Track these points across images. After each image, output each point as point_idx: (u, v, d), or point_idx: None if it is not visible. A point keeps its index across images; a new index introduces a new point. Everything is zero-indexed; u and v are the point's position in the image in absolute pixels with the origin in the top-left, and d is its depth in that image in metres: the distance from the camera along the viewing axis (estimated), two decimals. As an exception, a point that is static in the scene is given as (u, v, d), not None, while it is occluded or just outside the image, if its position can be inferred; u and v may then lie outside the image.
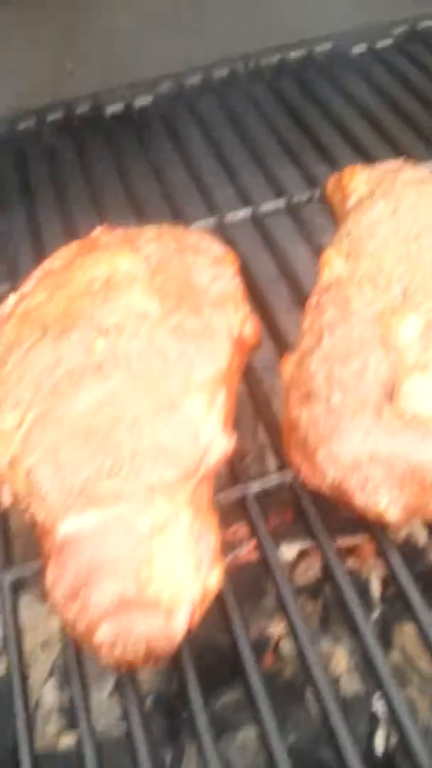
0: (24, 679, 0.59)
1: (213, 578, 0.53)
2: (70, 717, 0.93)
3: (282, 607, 0.60)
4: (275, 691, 0.92)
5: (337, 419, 0.60)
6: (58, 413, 0.60)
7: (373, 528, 0.62)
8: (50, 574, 0.53)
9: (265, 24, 1.16)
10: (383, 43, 1.17)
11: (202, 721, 0.55)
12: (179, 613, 0.51)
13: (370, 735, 0.92)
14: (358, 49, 1.16)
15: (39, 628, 0.98)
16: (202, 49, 1.14)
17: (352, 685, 0.95)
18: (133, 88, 1.08)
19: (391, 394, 0.60)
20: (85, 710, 0.56)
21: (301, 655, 0.58)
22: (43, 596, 0.54)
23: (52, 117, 1.07)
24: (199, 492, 0.58)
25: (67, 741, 0.91)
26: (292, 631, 0.59)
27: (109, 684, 0.97)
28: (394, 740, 0.93)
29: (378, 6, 1.19)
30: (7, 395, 0.62)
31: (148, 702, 0.95)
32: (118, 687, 0.58)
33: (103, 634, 0.50)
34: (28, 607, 1.01)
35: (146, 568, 0.52)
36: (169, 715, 0.94)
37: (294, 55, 1.15)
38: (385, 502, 0.58)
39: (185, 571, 0.53)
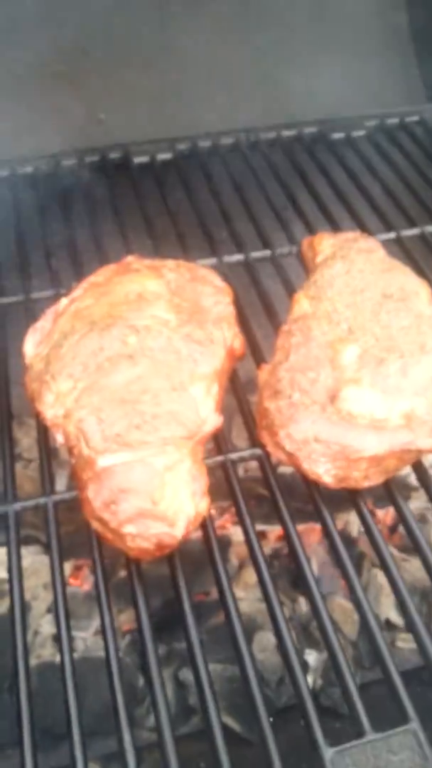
0: (24, 609, 0.79)
1: (202, 505, 0.78)
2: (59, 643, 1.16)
3: (255, 565, 0.81)
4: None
5: (294, 411, 0.86)
6: (100, 384, 0.84)
7: (322, 514, 0.85)
8: (91, 492, 0.77)
9: (265, 106, 1.45)
10: (357, 133, 1.46)
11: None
12: (179, 523, 0.76)
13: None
14: (337, 135, 1.44)
15: (42, 572, 1.20)
16: (212, 119, 1.41)
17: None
18: (156, 144, 1.34)
19: (333, 397, 0.86)
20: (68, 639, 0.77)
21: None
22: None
23: (89, 158, 1.32)
24: (197, 449, 0.83)
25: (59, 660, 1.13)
26: (262, 584, 0.80)
27: (95, 624, 1.20)
28: (319, 683, 1.18)
29: (354, 104, 1.49)
30: (63, 368, 0.87)
31: (125, 641, 1.18)
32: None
33: (128, 531, 0.74)
34: (32, 554, 1.24)
35: (158, 492, 0.77)
36: (141, 654, 1.17)
37: (286, 133, 1.42)
38: (323, 470, 0.83)
39: (185, 498, 0.78)
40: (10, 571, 0.82)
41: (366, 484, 0.85)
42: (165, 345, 0.88)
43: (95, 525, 0.79)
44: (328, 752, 0.67)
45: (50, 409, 0.85)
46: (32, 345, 0.94)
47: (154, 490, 0.77)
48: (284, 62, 1.52)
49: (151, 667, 0.74)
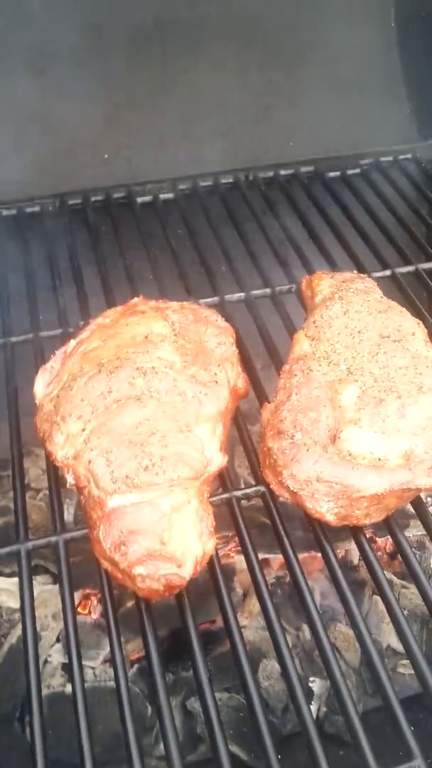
0: (36, 639, 0.82)
1: (209, 545, 0.81)
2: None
3: (258, 596, 0.85)
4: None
5: (296, 451, 0.89)
6: (109, 426, 0.87)
7: (323, 546, 0.89)
8: (101, 533, 0.80)
9: (262, 146, 1.50)
10: (352, 171, 1.51)
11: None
12: (187, 564, 0.78)
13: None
14: (332, 174, 1.49)
15: (51, 602, 1.23)
16: (213, 160, 1.45)
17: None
18: (159, 183, 1.39)
19: (334, 437, 0.89)
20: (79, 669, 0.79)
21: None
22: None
23: (94, 198, 1.36)
24: (203, 489, 0.86)
25: (68, 690, 1.15)
26: (265, 613, 0.83)
27: (103, 654, 1.22)
28: (323, 710, 1.20)
29: (349, 143, 1.54)
30: (73, 410, 0.90)
31: (133, 669, 1.20)
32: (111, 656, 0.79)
33: (138, 572, 0.77)
34: (41, 584, 1.26)
35: (167, 533, 0.80)
36: (149, 683, 1.19)
37: (283, 173, 1.47)
38: (326, 509, 0.86)
39: (192, 538, 0.80)
40: (22, 605, 0.85)
41: (367, 521, 0.88)
42: (171, 387, 0.91)
43: (105, 564, 0.81)
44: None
45: (60, 450, 0.88)
46: (42, 385, 0.97)
47: (162, 531, 0.80)
48: (281, 102, 1.56)
49: (159, 697, 0.77)
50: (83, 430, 0.88)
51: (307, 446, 0.89)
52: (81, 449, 0.86)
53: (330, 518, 0.86)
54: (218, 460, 0.88)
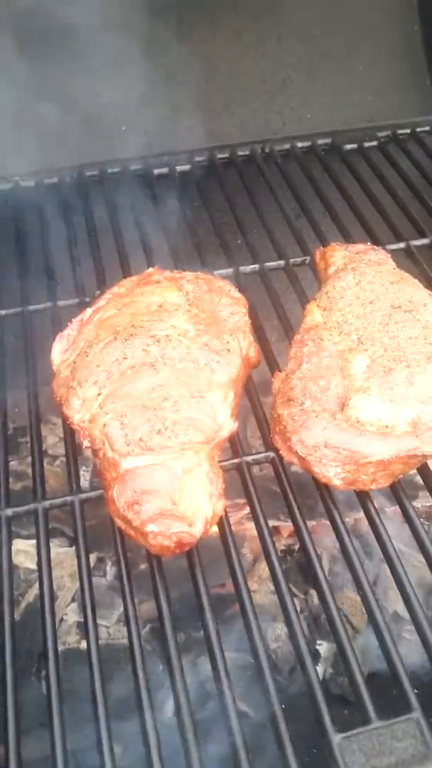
0: (52, 597, 0.86)
1: (219, 506, 0.84)
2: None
3: (268, 562, 0.87)
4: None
5: (306, 418, 0.91)
6: (123, 391, 0.90)
7: (333, 515, 0.91)
8: (115, 492, 0.83)
9: (280, 117, 1.50)
10: (369, 144, 1.51)
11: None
12: (197, 523, 0.81)
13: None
14: (349, 146, 1.49)
15: (66, 563, 1.27)
16: (229, 132, 1.46)
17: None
18: (176, 155, 1.40)
19: (342, 405, 0.91)
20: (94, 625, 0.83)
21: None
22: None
23: (111, 169, 1.37)
24: (213, 453, 0.88)
25: (83, 646, 1.19)
26: (274, 578, 0.86)
27: (116, 614, 1.26)
28: (330, 672, 1.24)
29: (366, 115, 1.54)
30: (89, 375, 0.92)
31: (146, 629, 1.24)
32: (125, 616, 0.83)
33: (150, 529, 0.80)
34: (57, 546, 1.30)
35: (178, 494, 0.82)
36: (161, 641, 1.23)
37: (300, 145, 1.48)
38: (333, 474, 0.89)
39: (202, 499, 0.83)
40: (39, 564, 0.88)
41: (374, 486, 0.91)
42: (184, 354, 0.94)
43: (119, 523, 0.84)
44: (336, 738, 0.73)
45: (77, 414, 0.91)
46: (59, 352, 1.00)
47: (174, 492, 0.82)
48: (298, 74, 1.56)
49: (171, 655, 0.80)
50: (99, 394, 0.91)
51: (316, 413, 0.91)
52: (96, 413, 0.89)
53: (337, 482, 0.89)
54: (229, 426, 0.91)
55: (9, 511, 0.91)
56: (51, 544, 0.94)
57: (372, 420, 0.90)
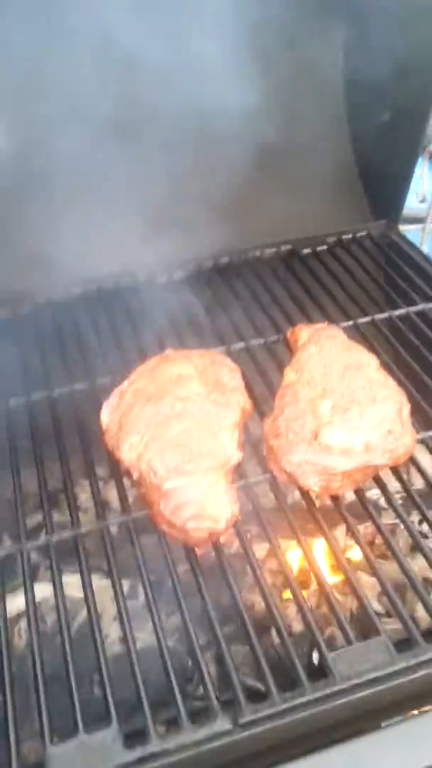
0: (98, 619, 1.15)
1: (234, 508, 1.19)
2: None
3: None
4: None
5: (290, 446, 1.27)
6: (159, 436, 1.26)
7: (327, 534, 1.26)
8: (162, 505, 1.18)
9: (253, 231, 1.93)
10: (320, 248, 1.94)
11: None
12: (221, 521, 1.16)
13: (309, 655, 1.52)
14: (306, 250, 1.92)
15: (106, 592, 1.57)
16: (213, 243, 1.88)
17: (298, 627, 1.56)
18: (170, 267, 1.81)
19: (315, 435, 1.28)
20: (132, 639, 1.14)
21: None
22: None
23: (123, 281, 1.79)
24: (228, 475, 1.24)
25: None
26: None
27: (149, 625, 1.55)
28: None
29: (317, 226, 1.98)
30: (132, 429, 1.28)
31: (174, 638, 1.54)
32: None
33: (190, 526, 1.14)
34: (97, 580, 1.60)
35: (206, 502, 1.18)
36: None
37: (267, 251, 1.89)
38: (312, 482, 1.25)
39: (223, 504, 1.18)
40: (85, 591, 1.15)
41: (341, 491, 1.27)
42: (200, 408, 1.31)
43: (164, 528, 1.19)
44: (329, 655, 1.06)
45: (127, 455, 1.27)
46: (107, 414, 1.36)
47: (203, 501, 1.18)
48: (265, 194, 1.99)
49: (196, 653, 1.10)
50: (141, 440, 1.27)
51: (297, 442, 1.28)
52: (141, 452, 1.25)
53: (316, 489, 1.25)
54: (237, 456, 1.27)
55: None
56: (93, 577, 1.21)
57: (337, 444, 1.26)
